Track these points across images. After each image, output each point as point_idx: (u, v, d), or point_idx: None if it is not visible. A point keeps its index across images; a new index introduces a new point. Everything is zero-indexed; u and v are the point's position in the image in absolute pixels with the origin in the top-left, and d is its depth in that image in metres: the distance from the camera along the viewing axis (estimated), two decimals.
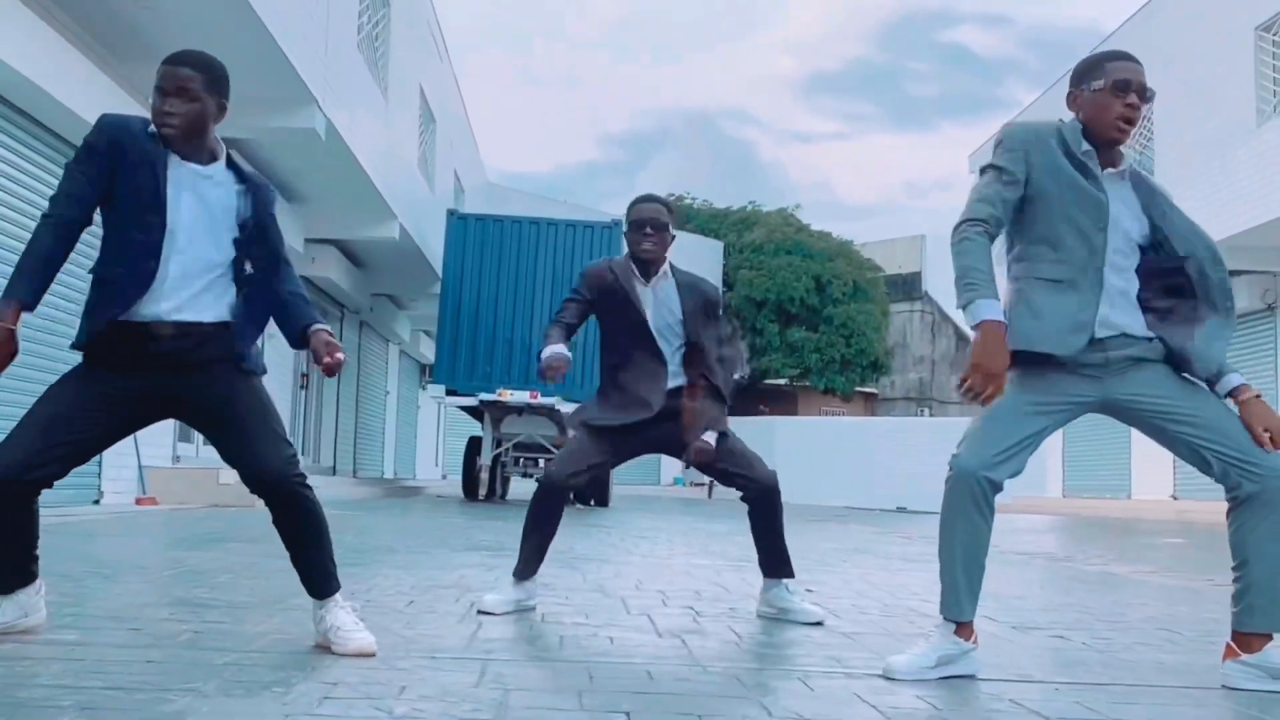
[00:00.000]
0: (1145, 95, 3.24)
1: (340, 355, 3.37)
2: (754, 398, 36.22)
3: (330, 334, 3.47)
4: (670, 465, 33.02)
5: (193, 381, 3.32)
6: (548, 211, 24.81)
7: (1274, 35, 14.87)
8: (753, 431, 33.04)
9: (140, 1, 8.72)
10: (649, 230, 4.43)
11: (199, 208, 3.30)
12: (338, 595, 3.41)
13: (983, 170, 3.29)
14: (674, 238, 4.60)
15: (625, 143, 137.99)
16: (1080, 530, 15.44)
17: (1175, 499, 18.85)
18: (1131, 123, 3.23)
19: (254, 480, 3.39)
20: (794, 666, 3.32)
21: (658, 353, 4.46)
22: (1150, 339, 3.26)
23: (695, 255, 32.28)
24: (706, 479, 32.39)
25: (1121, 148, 3.31)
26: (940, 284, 38.73)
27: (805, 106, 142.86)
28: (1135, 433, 14.07)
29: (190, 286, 3.29)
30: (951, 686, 3.10)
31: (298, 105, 10.86)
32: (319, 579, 3.45)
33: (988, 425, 3.20)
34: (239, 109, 11.28)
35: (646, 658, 3.37)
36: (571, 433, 4.55)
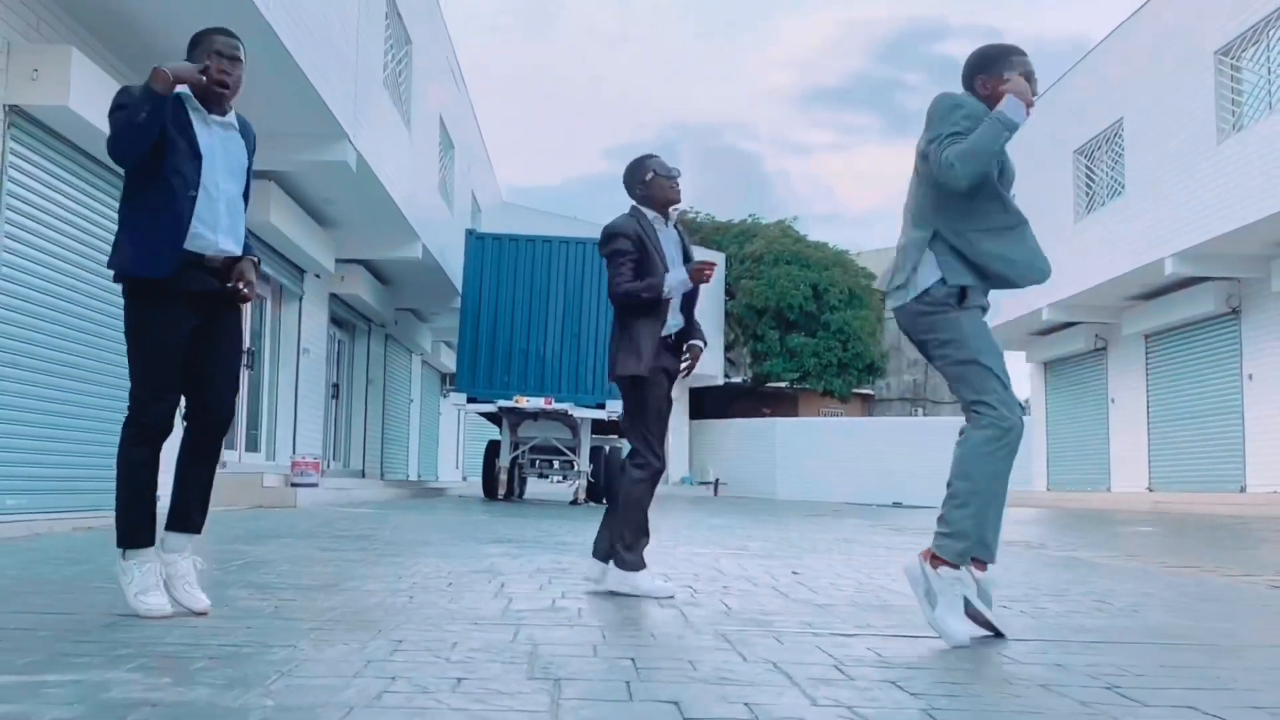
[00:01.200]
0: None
1: (243, 287, 3.81)
2: (756, 400, 36.75)
3: (255, 265, 3.94)
4: (678, 466, 33.54)
5: (218, 310, 3.89)
6: (558, 226, 25.39)
7: (1232, 59, 15.40)
8: (755, 432, 33.63)
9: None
10: (678, 177, 4.95)
11: (224, 153, 3.94)
12: (190, 545, 3.87)
13: (951, 132, 3.66)
14: None
15: (629, 156, 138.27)
16: (1060, 521, 15.91)
17: (1151, 490, 19.33)
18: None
19: (205, 408, 3.86)
20: (771, 629, 3.87)
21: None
22: None
23: None
24: (714, 478, 32.94)
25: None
26: None
27: (803, 119, 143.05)
28: (1114, 429, 14.95)
29: (228, 221, 3.91)
30: (896, 639, 3.66)
31: (331, 140, 11.43)
32: (197, 509, 3.89)
33: (998, 360, 3.74)
34: (280, 144, 11.93)
35: (652, 622, 3.94)
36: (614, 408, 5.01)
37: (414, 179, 15.72)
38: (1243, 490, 16.77)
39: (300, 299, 15.18)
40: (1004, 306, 22.59)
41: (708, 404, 35.26)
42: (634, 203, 5.01)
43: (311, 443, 15.69)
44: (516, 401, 16.23)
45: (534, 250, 17.00)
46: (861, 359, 34.57)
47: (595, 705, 2.51)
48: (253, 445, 14.12)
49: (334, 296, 16.92)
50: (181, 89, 3.81)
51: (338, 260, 15.80)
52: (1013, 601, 5.00)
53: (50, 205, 8.39)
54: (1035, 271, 3.81)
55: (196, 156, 3.80)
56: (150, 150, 3.72)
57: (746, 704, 2.57)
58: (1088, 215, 19.68)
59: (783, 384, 35.54)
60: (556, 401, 16.31)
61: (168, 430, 3.81)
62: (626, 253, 4.78)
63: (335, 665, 2.90)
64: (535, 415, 16.81)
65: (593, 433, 17.53)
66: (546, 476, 20.16)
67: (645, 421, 4.80)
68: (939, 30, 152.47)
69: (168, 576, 3.76)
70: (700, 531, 10.19)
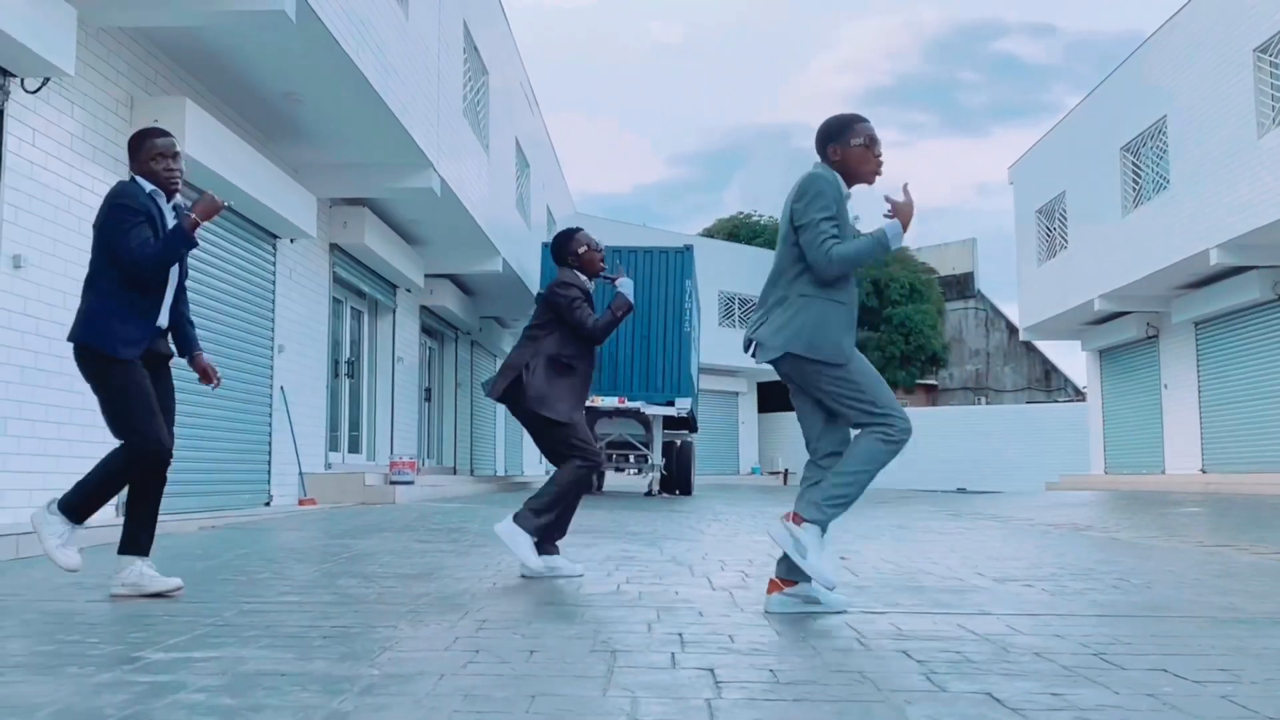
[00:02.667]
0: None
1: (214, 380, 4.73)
2: None
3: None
4: (748, 457, 33.75)
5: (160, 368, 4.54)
6: (628, 233, 25.78)
7: (1270, 56, 15.22)
8: None
9: (290, 96, 9.81)
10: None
11: None
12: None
13: (826, 220, 3.99)
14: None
15: (697, 161, 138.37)
16: (1113, 503, 15.86)
17: (1204, 472, 19.13)
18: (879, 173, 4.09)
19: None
20: (808, 608, 4.17)
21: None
22: None
23: (764, 267, 32.96)
24: (783, 468, 33.08)
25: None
26: (992, 283, 38.76)
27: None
28: (1167, 413, 15.00)
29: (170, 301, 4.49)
30: (919, 615, 3.94)
31: (417, 169, 11.92)
32: (148, 537, 4.51)
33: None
34: (370, 174, 12.48)
35: (701, 604, 4.27)
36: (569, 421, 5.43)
37: (492, 199, 16.21)
38: None
39: (394, 312, 15.76)
40: (1059, 298, 22.48)
41: (776, 398, 35.40)
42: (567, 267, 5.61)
43: (407, 443, 16.26)
44: (591, 401, 16.63)
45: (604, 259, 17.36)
46: (924, 351, 34.48)
47: (644, 672, 2.85)
48: (354, 447, 14.71)
49: (424, 308, 17.49)
50: (147, 185, 4.39)
51: (426, 275, 16.36)
52: (1038, 580, 5.23)
53: None
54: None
55: None
56: None
57: (771, 670, 2.89)
58: (1135, 209, 19.52)
59: None
60: (629, 401, 16.68)
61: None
62: (580, 299, 5.47)
63: (429, 641, 3.28)
64: (610, 414, 17.20)
65: (664, 428, 17.87)
66: (623, 470, 20.56)
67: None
68: (995, 29, 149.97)
69: (136, 586, 4.30)
70: (763, 520, 10.47)
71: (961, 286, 41.19)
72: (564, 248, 5.62)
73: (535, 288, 18.63)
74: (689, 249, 17.19)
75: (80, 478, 4.41)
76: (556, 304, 5.40)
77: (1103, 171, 20.75)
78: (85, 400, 7.65)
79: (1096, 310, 21.08)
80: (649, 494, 17.75)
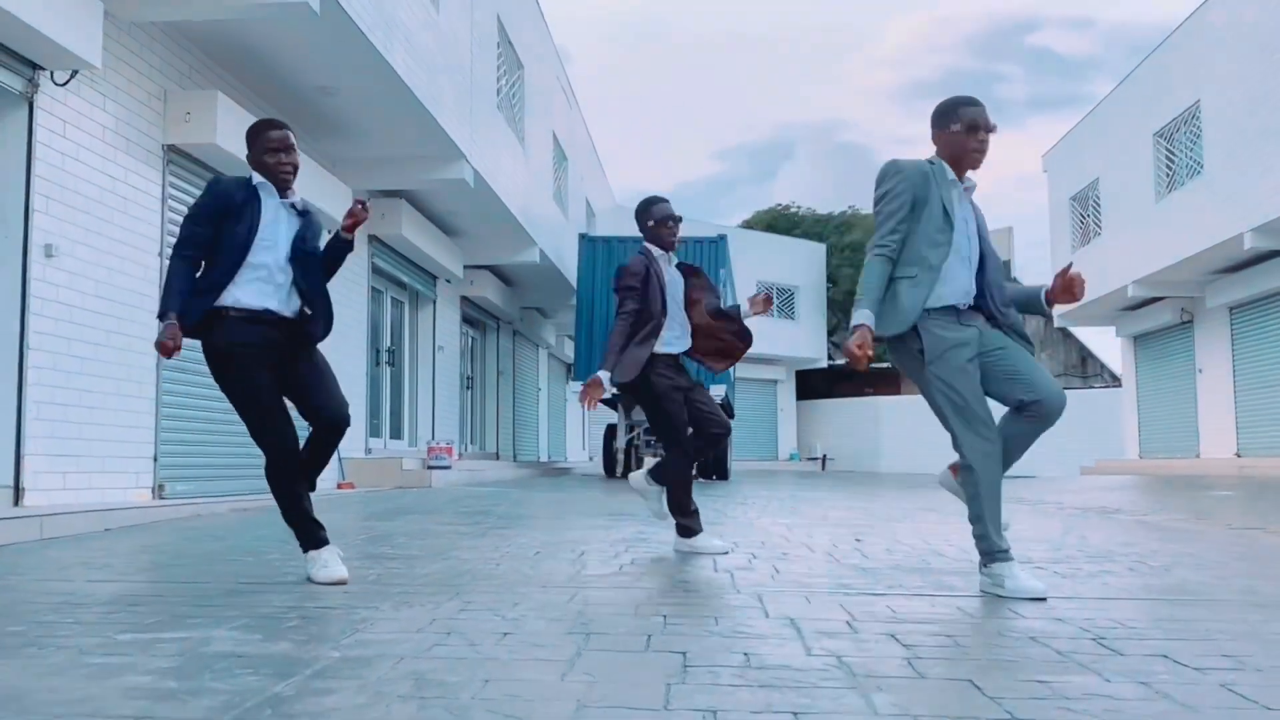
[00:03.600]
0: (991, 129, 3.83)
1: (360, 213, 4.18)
2: (859, 381, 36.32)
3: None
4: (786, 443, 33.42)
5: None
6: None
7: None
8: (860, 410, 33.26)
9: (324, 89, 9.70)
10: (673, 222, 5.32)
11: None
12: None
13: (881, 239, 3.85)
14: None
15: (742, 156, 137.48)
16: (1147, 487, 15.41)
17: (1239, 455, 18.53)
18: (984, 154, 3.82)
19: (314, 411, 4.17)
20: (806, 589, 3.96)
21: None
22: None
23: (801, 257, 32.60)
24: (821, 454, 32.71)
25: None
26: (1027, 271, 38.06)
27: (905, 114, 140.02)
28: (1202, 398, 14.53)
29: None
30: (920, 597, 3.71)
31: (450, 161, 11.79)
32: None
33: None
34: (404, 166, 12.34)
35: (699, 584, 4.06)
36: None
37: (529, 191, 16.05)
38: None
39: (434, 302, 15.66)
40: (1093, 284, 21.89)
41: (813, 385, 35.02)
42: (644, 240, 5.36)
43: (448, 429, 16.18)
44: None
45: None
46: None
47: (613, 655, 2.65)
48: (396, 433, 14.65)
49: (464, 299, 17.39)
50: (255, 178, 4.16)
51: (466, 266, 16.25)
52: (1053, 563, 4.96)
53: None
54: None
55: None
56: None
57: (746, 654, 2.68)
58: (1168, 195, 18.92)
59: (884, 364, 35.04)
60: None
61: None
62: (630, 291, 5.15)
63: (405, 623, 3.11)
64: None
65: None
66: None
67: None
68: (1032, 22, 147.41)
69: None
70: (789, 503, 10.23)
71: None
72: (639, 218, 5.41)
73: (573, 279, 18.47)
74: (723, 238, 16.92)
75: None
76: (615, 289, 5.27)
77: (1136, 157, 20.15)
78: (118, 386, 7.63)
79: (1130, 296, 20.51)
80: None
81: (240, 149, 8.66)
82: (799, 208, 37.60)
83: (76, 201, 7.22)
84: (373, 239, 12.91)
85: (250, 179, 4.19)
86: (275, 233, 4.11)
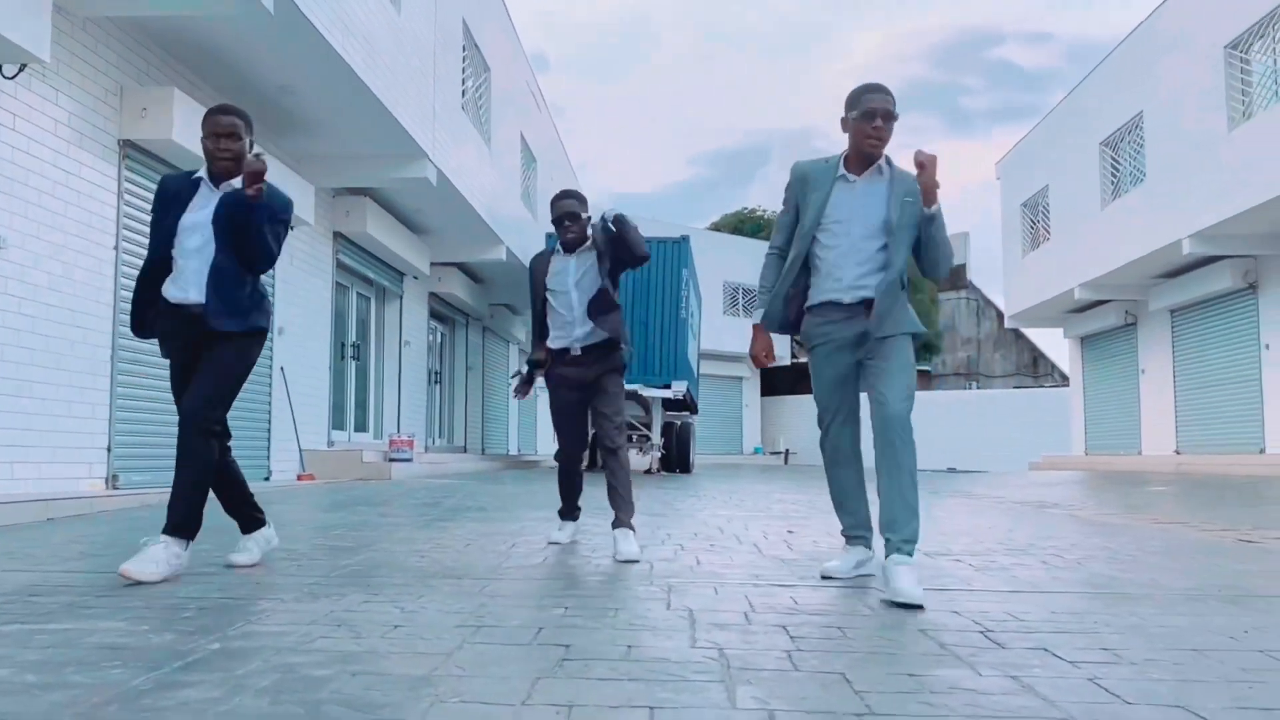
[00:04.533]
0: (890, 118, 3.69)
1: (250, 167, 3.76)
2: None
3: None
4: (751, 438, 33.40)
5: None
6: (640, 227, 25.40)
7: (1240, 52, 14.70)
8: None
9: (285, 88, 9.53)
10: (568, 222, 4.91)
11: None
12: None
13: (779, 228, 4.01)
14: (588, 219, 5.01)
15: (716, 162, 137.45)
16: (1089, 482, 15.46)
17: (1178, 453, 18.64)
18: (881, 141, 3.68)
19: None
20: (718, 580, 3.86)
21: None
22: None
23: (762, 260, 32.56)
24: (784, 448, 32.70)
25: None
26: (982, 274, 38.10)
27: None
28: (1144, 397, 14.47)
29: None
30: (828, 589, 3.62)
31: (411, 159, 11.63)
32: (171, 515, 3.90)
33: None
34: (367, 164, 12.19)
35: (615, 575, 3.96)
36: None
37: (496, 190, 15.89)
38: (1262, 452, 16.07)
39: (401, 298, 15.49)
40: (1041, 287, 21.97)
41: (778, 382, 35.01)
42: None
43: (413, 422, 16.02)
44: None
45: None
46: (918, 338, 33.91)
47: (496, 648, 2.55)
48: (361, 426, 14.48)
49: (433, 295, 17.21)
50: (201, 171, 4.00)
51: (433, 263, 16.08)
52: (971, 555, 4.90)
53: None
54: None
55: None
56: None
57: (629, 646, 2.59)
58: (1114, 202, 18.99)
59: (803, 361, 35.18)
60: (628, 384, 16.36)
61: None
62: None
63: (300, 616, 2.99)
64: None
65: (664, 409, 17.56)
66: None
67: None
68: (994, 36, 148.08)
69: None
70: (738, 496, 10.16)
71: (954, 277, 40.56)
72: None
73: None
74: (685, 239, 16.84)
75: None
76: None
77: (1083, 166, 20.22)
78: (71, 378, 7.45)
79: (1077, 299, 20.58)
80: (649, 472, 17.44)
81: (199, 147, 8.54)
82: (764, 211, 37.55)
83: (28, 194, 7.04)
84: (338, 235, 12.73)
85: (195, 171, 4.05)
86: (195, 221, 3.95)
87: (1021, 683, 2.23)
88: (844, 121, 3.75)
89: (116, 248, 8.01)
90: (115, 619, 2.88)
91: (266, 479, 10.62)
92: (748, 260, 30.92)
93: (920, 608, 3.24)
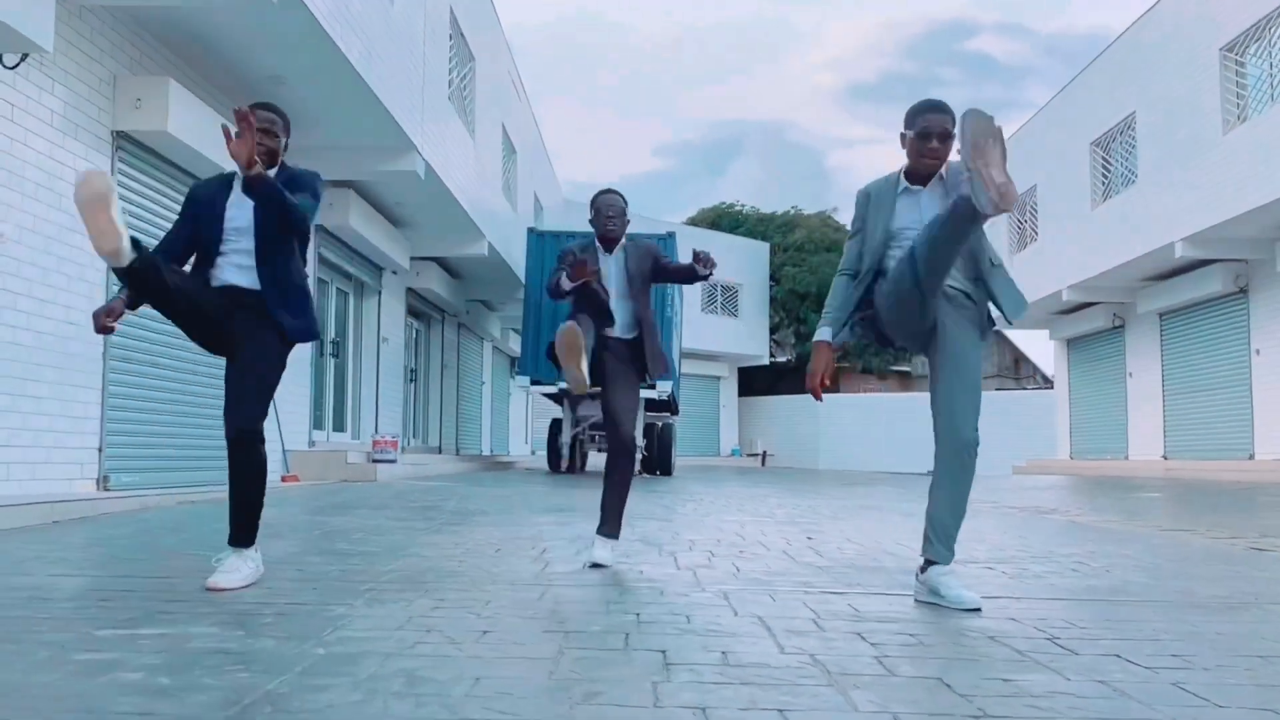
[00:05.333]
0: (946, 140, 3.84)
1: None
2: (800, 378, 36.76)
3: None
4: (728, 439, 33.70)
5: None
6: None
7: (1236, 55, 15.14)
8: (800, 407, 33.64)
9: (276, 78, 9.60)
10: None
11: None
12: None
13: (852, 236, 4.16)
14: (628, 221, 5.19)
15: (685, 154, 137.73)
16: (1078, 487, 15.84)
17: (1165, 458, 19.12)
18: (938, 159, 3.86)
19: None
20: (769, 587, 4.06)
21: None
22: None
23: (746, 255, 32.88)
24: (761, 450, 33.04)
25: None
26: None
27: (847, 116, 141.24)
28: (1131, 401, 14.87)
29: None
30: (877, 596, 3.83)
31: (401, 152, 11.72)
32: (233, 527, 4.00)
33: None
34: (355, 156, 12.25)
35: (663, 582, 4.15)
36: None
37: (478, 183, 16.00)
38: (1251, 458, 16.56)
39: (379, 294, 15.56)
40: (1028, 288, 22.40)
41: (755, 382, 35.34)
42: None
43: (391, 422, 16.10)
44: None
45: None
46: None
47: (595, 653, 2.72)
48: (339, 425, 14.54)
49: (410, 290, 17.30)
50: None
51: (413, 258, 16.16)
52: (999, 563, 5.13)
53: (154, 217, 8.77)
54: None
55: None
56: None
57: (723, 652, 2.77)
58: (1104, 203, 19.45)
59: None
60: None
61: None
62: (559, 268, 5.00)
63: (382, 620, 3.15)
64: (593, 396, 17.00)
65: (646, 410, 17.74)
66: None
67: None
68: (971, 27, 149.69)
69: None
70: (734, 501, 10.37)
71: None
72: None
73: (521, 273, 18.46)
74: (671, 236, 17.03)
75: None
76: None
77: (1073, 166, 20.66)
78: (63, 375, 7.50)
79: (1065, 300, 21.03)
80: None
81: (194, 139, 8.62)
82: (743, 206, 37.88)
83: (24, 187, 7.09)
84: (319, 229, 12.80)
85: (228, 172, 4.19)
86: (237, 217, 4.07)
87: (1112, 687, 2.44)
88: (902, 138, 3.92)
89: None
90: (201, 625, 3.01)
91: None
92: (727, 257, 31.15)
93: (978, 610, 3.46)
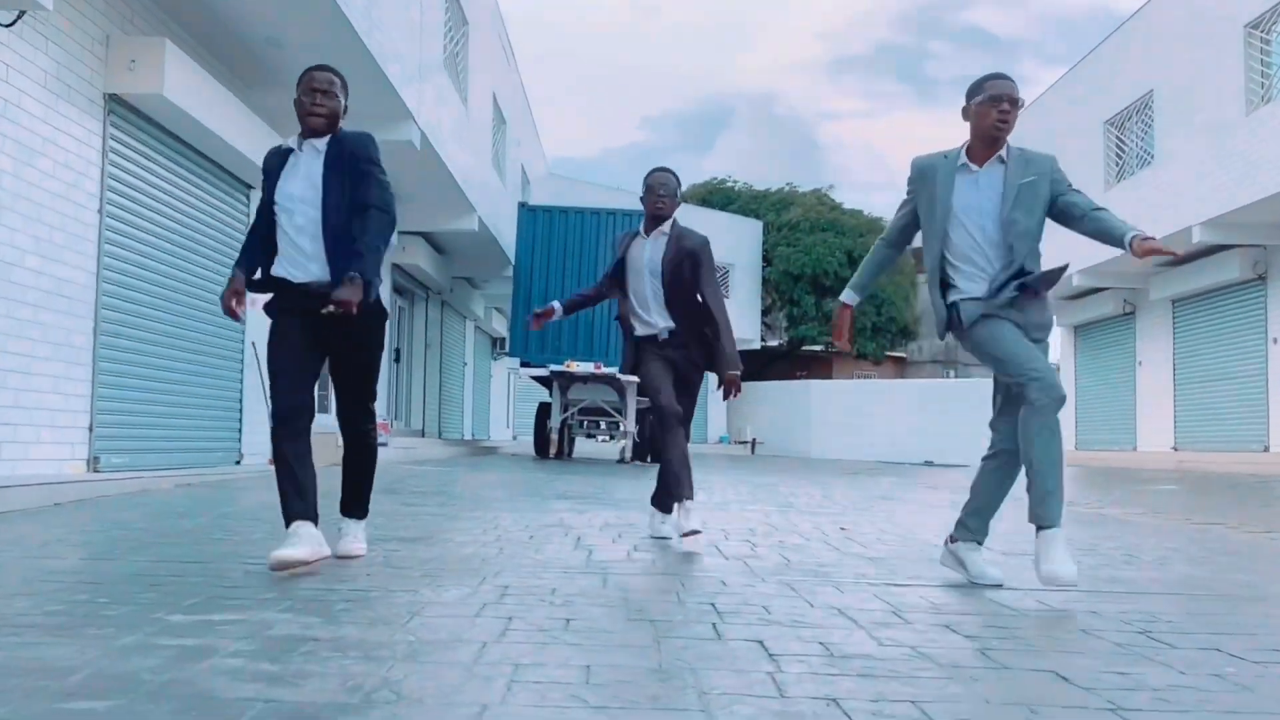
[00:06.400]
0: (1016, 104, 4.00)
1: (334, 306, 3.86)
2: (792, 364, 36.89)
3: (350, 284, 3.86)
4: (716, 425, 33.82)
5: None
6: (602, 196, 25.59)
7: (1262, 32, 15.28)
8: (791, 394, 33.80)
9: (273, 41, 9.55)
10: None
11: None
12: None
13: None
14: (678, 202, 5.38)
15: (670, 126, 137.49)
16: (1087, 479, 16.04)
17: (1176, 449, 19.36)
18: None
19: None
20: (829, 578, 4.13)
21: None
22: None
23: (737, 234, 32.91)
24: (751, 437, 33.19)
25: None
26: None
27: (834, 89, 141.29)
28: (1141, 390, 15.06)
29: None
30: (947, 591, 3.90)
31: (397, 121, 11.68)
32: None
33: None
34: (350, 124, 12.18)
35: (718, 571, 4.21)
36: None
37: (470, 155, 15.96)
38: (1266, 450, 16.80)
39: None
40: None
41: (745, 367, 35.36)
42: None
43: (379, 404, 16.06)
44: (568, 366, 16.51)
45: (583, 221, 17.23)
46: (895, 323, 34.60)
47: (692, 643, 2.77)
48: (324, 407, 14.49)
49: (396, 266, 17.24)
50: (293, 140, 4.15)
51: (400, 232, 16.10)
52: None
53: (147, 186, 8.73)
54: None
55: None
56: None
57: (821, 643, 2.83)
58: (1118, 184, 19.62)
59: (818, 347, 35.64)
60: (605, 366, 16.58)
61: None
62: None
63: (455, 608, 3.19)
64: (585, 379, 17.09)
65: (638, 395, 17.80)
66: (594, 436, 20.48)
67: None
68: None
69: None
70: (746, 489, 10.45)
71: None
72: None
73: (510, 248, 18.45)
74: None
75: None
76: None
77: (1085, 145, 20.80)
78: (54, 351, 7.47)
79: (1074, 285, 21.20)
80: (621, 461, 17.68)
81: (190, 104, 8.57)
82: (735, 182, 37.86)
83: (20, 153, 7.03)
84: None
85: (286, 143, 4.20)
86: (287, 193, 4.06)
87: (1231, 682, 2.51)
88: (965, 110, 4.04)
89: (100, 211, 8.02)
90: (272, 610, 3.04)
91: (238, 463, 10.67)
92: (719, 235, 31.15)
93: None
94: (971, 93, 4.09)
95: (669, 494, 5.11)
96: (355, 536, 4.32)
